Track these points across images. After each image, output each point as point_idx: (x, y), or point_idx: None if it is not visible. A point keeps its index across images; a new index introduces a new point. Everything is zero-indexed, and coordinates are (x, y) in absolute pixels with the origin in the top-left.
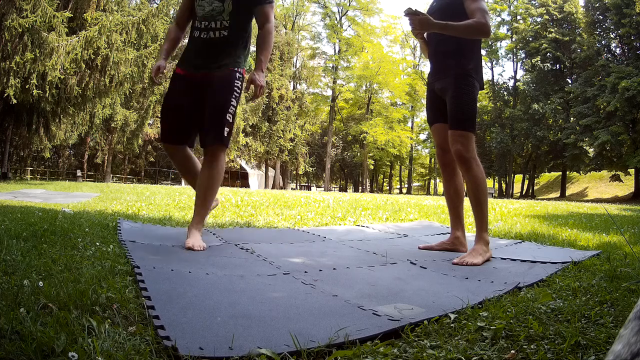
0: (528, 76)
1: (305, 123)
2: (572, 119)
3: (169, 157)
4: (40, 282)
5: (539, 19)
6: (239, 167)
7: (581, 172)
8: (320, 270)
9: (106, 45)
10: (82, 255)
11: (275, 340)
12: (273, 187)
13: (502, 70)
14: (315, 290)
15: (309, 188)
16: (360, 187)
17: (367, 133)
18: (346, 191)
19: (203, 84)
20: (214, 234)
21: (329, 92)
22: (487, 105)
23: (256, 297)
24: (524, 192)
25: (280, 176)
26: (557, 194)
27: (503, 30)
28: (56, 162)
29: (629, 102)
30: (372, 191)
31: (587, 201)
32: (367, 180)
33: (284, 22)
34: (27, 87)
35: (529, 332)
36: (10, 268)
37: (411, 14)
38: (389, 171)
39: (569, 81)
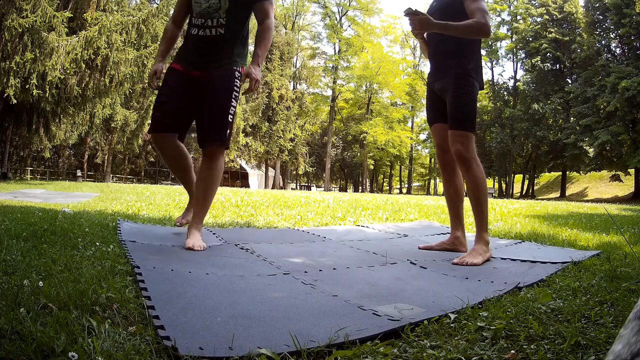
0: (528, 76)
1: (305, 123)
2: (572, 119)
3: (159, 151)
4: (40, 282)
5: (539, 19)
6: (239, 167)
7: (581, 172)
8: (320, 270)
9: (106, 45)
10: (82, 255)
11: (275, 340)
12: (273, 187)
13: (502, 70)
14: (315, 290)
15: (309, 188)
16: (360, 187)
17: (367, 133)
18: (346, 191)
19: (201, 82)
20: (214, 234)
21: (329, 92)
22: (487, 105)
23: (256, 297)
24: (524, 192)
25: (280, 176)
26: (557, 194)
27: (503, 30)
28: (56, 162)
29: (629, 102)
30: (372, 191)
31: (587, 201)
32: (367, 180)
33: (284, 22)
34: (27, 87)
35: (529, 332)
36: (10, 268)
37: (411, 14)
38: (389, 171)
39: (569, 81)
